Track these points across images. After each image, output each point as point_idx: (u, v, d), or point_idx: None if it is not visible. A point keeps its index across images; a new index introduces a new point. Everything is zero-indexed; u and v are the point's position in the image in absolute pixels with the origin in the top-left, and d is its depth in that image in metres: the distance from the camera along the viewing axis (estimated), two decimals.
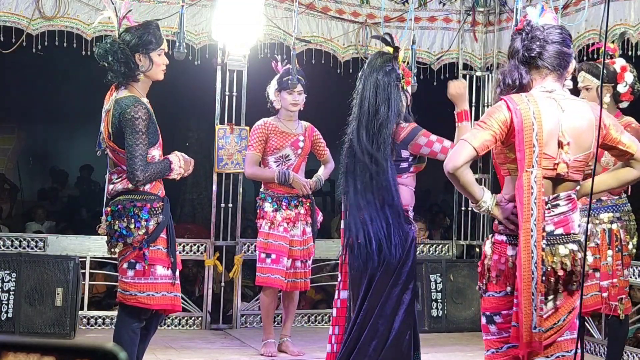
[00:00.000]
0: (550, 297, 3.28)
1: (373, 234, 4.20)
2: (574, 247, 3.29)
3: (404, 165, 4.36)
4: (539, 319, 3.18)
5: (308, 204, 5.96)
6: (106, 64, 4.25)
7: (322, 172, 6.15)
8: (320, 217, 6.09)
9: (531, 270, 3.17)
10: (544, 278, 3.20)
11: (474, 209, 3.40)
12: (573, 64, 3.48)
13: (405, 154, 4.35)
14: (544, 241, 3.21)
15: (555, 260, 3.24)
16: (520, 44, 3.34)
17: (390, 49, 4.38)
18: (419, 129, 4.35)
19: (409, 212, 4.35)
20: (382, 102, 4.24)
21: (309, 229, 5.97)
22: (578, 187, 3.37)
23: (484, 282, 3.35)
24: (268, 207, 5.89)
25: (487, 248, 3.36)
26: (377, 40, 7.22)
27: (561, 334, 3.30)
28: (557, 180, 3.28)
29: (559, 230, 3.27)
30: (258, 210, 5.98)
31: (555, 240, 3.27)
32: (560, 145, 3.23)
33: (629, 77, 5.01)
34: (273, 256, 5.84)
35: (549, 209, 3.26)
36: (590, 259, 4.85)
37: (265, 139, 5.90)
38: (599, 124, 3.32)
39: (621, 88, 4.98)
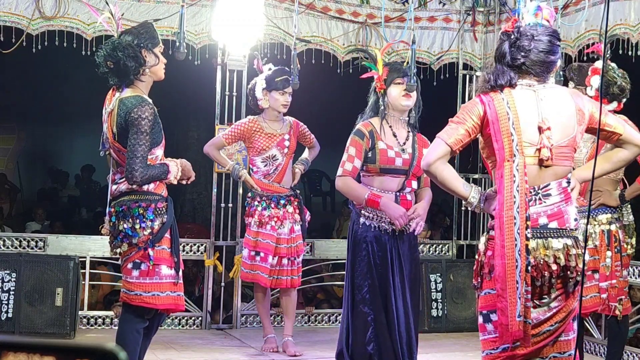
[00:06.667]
0: (545, 299, 3.27)
1: None
2: (569, 242, 3.26)
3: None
4: (523, 308, 3.17)
5: (296, 203, 5.99)
6: (112, 64, 4.22)
7: (308, 155, 6.22)
8: (308, 217, 6.11)
9: (515, 258, 3.16)
10: (530, 269, 3.17)
11: (468, 207, 3.42)
12: (558, 63, 3.48)
13: None
14: (528, 233, 3.18)
15: (548, 253, 3.23)
16: (508, 49, 3.34)
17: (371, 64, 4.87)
18: (353, 132, 4.72)
19: (361, 211, 4.67)
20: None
21: (297, 227, 5.99)
22: (570, 176, 3.35)
23: (479, 279, 3.35)
24: (257, 205, 5.92)
25: (482, 245, 3.36)
26: (377, 40, 7.25)
27: (553, 338, 3.29)
28: (544, 168, 3.27)
29: (553, 224, 3.26)
30: (247, 208, 6.02)
31: (549, 233, 3.25)
32: (540, 130, 3.25)
33: (595, 81, 4.98)
34: (262, 254, 5.89)
35: (540, 199, 3.26)
36: (587, 258, 4.85)
37: (243, 137, 5.96)
38: (598, 121, 3.33)
39: (589, 91, 4.98)
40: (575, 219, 3.32)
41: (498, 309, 3.22)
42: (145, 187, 4.25)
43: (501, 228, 3.19)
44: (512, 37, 3.34)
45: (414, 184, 4.75)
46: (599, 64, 5.01)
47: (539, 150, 3.24)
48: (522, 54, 3.31)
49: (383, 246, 4.62)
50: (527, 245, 3.17)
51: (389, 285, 4.57)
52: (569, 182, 3.34)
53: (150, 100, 4.25)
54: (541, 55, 3.32)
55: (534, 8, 3.37)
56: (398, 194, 4.68)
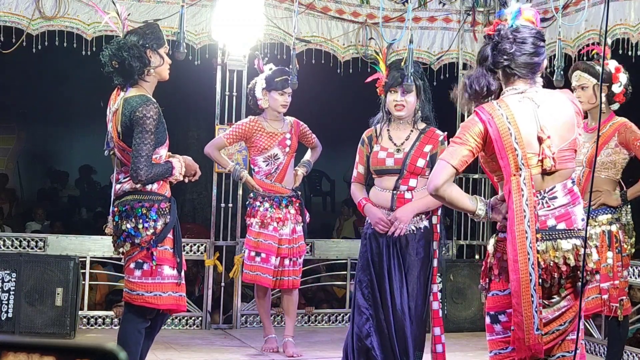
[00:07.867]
0: (555, 299, 3.27)
1: None
2: (577, 242, 3.27)
3: None
4: (539, 320, 3.17)
5: (297, 204, 6.00)
6: (117, 64, 4.23)
7: (310, 157, 6.22)
8: (307, 218, 6.12)
9: (528, 272, 3.17)
10: (542, 277, 3.19)
11: (474, 219, 3.41)
12: (545, 63, 3.47)
13: None
14: (538, 236, 3.20)
15: (557, 255, 3.23)
16: (490, 52, 3.33)
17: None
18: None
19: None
20: None
21: (299, 228, 6.00)
22: (574, 175, 3.37)
23: (487, 281, 3.35)
24: (259, 205, 5.93)
25: (491, 246, 3.37)
26: (377, 40, 7.25)
27: (562, 338, 3.29)
28: (548, 174, 3.28)
29: (561, 225, 3.27)
30: (249, 209, 6.02)
31: (558, 235, 3.26)
32: (540, 141, 3.24)
33: (623, 77, 5.05)
34: (263, 255, 5.89)
35: (547, 202, 3.27)
36: (595, 258, 4.85)
37: (245, 137, 5.97)
38: (598, 122, 3.33)
39: (616, 88, 5.01)
40: (582, 219, 3.33)
41: (514, 324, 3.21)
42: (148, 187, 4.25)
43: (513, 243, 3.19)
44: (494, 40, 3.34)
45: (412, 182, 4.73)
46: (615, 63, 5.06)
47: (542, 160, 3.24)
48: (505, 57, 3.30)
49: (379, 244, 4.69)
50: (537, 258, 3.19)
51: (384, 282, 4.62)
52: (573, 182, 3.35)
53: (154, 100, 4.26)
54: (526, 58, 3.31)
55: (515, 10, 3.37)
56: (395, 192, 4.71)
